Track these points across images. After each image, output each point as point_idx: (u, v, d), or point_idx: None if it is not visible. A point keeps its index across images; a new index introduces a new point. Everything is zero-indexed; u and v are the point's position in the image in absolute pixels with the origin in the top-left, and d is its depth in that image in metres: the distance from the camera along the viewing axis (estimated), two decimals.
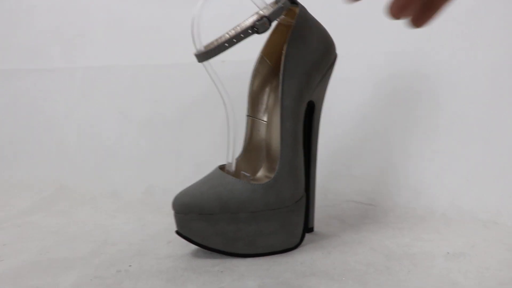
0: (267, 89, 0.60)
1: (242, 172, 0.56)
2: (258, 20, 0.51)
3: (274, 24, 0.54)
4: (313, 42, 0.54)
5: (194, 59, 0.53)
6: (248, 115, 0.59)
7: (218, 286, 0.45)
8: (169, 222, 0.63)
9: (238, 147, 0.56)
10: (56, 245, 0.57)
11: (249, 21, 0.52)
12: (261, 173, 0.59)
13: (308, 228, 0.58)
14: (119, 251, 0.54)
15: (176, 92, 0.82)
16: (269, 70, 0.59)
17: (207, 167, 0.76)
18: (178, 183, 0.76)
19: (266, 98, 0.60)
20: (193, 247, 0.55)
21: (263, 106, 0.60)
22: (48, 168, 0.84)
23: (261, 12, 0.52)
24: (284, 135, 0.52)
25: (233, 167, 0.55)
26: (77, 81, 0.87)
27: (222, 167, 0.56)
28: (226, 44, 0.52)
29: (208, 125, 0.81)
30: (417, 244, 0.54)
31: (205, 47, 0.53)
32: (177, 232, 0.52)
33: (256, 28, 0.51)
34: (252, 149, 0.59)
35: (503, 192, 0.63)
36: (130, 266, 0.50)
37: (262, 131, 0.59)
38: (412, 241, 0.55)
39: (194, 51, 0.53)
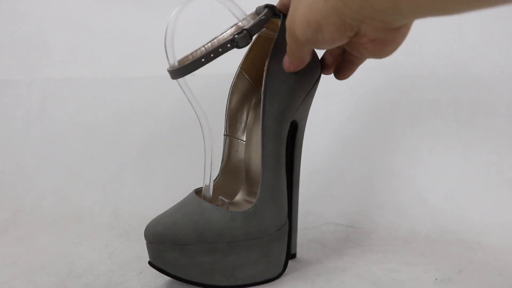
0: (246, 107, 0.56)
1: (220, 197, 0.52)
2: (238, 33, 0.47)
3: (254, 37, 0.50)
4: None
5: (165, 72, 0.49)
6: (225, 134, 0.56)
7: None
8: (139, 249, 0.59)
9: (215, 170, 0.52)
10: (13, 279, 0.51)
11: (228, 33, 0.49)
12: (239, 196, 0.55)
13: (290, 254, 0.54)
14: (85, 284, 0.50)
15: (145, 108, 0.78)
16: (248, 86, 0.56)
17: (179, 189, 0.72)
18: (147, 205, 0.72)
19: (245, 116, 0.56)
20: (167, 278, 0.51)
21: (242, 125, 0.56)
22: (3, 190, 0.78)
23: (240, 24, 0.49)
24: (265, 158, 0.48)
25: (210, 192, 0.51)
26: (36, 94, 0.82)
27: (198, 191, 0.52)
28: (203, 60, 0.47)
29: (180, 144, 0.77)
30: (404, 269, 0.52)
31: (179, 62, 0.49)
32: (150, 263, 0.48)
33: (235, 41, 0.47)
34: (230, 171, 0.56)
35: (486, 211, 0.63)
36: None
37: (240, 151, 0.56)
38: (398, 265, 0.52)
39: (166, 66, 0.49)
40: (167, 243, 0.46)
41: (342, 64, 0.50)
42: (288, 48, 0.45)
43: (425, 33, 0.70)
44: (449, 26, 0.71)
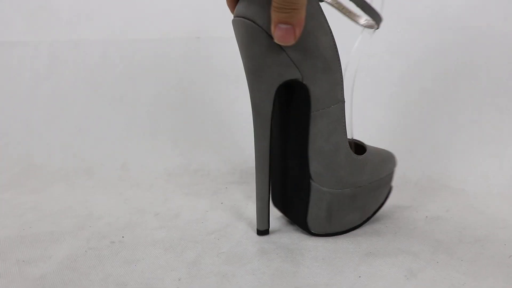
0: None
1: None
2: None
3: None
4: None
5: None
6: None
7: (218, 252, 0.46)
8: (151, 196, 0.63)
9: None
10: (38, 220, 0.55)
11: None
12: None
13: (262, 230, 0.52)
14: (107, 224, 0.54)
15: (151, 68, 0.81)
16: None
17: (184, 143, 0.77)
18: (155, 159, 0.76)
19: None
20: (181, 219, 0.55)
21: None
22: (13, 146, 0.80)
23: None
24: None
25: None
26: (43, 56, 0.84)
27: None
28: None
29: (182, 101, 0.80)
30: (398, 210, 0.57)
31: None
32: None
33: None
34: None
35: (468, 162, 0.68)
36: (123, 237, 0.50)
37: None
38: (393, 208, 0.58)
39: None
40: None
41: None
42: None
43: None
44: None
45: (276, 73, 0.43)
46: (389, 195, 0.55)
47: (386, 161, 0.53)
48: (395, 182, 0.57)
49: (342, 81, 0.46)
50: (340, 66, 0.45)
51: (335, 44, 0.45)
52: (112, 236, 0.51)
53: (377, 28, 0.49)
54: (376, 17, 0.47)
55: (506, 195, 0.62)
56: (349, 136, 0.49)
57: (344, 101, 0.47)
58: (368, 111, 0.75)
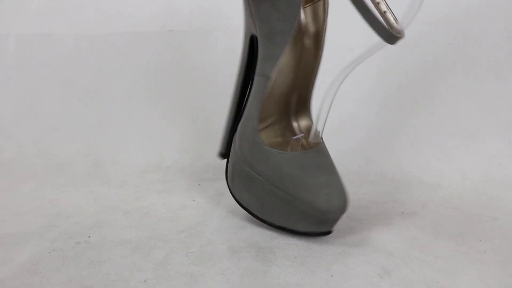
0: None
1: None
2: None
3: None
4: None
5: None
6: None
7: (187, 252, 0.44)
8: (123, 194, 0.62)
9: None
10: (3, 221, 0.53)
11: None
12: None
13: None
14: (75, 223, 0.52)
15: (123, 63, 0.79)
16: None
17: (157, 139, 0.75)
18: (128, 155, 0.74)
19: None
20: (151, 217, 0.53)
21: None
22: None
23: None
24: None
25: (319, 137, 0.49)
26: (10, 49, 0.81)
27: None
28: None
29: (156, 97, 0.78)
30: (373, 206, 0.56)
31: None
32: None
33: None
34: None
35: (445, 157, 0.68)
36: (89, 237, 0.48)
37: None
38: (368, 204, 0.57)
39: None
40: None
41: None
42: None
43: None
44: None
45: (247, 24, 0.50)
46: (322, 235, 0.47)
47: (314, 192, 0.45)
48: (371, 177, 0.57)
49: (277, 60, 0.46)
50: (283, 46, 0.45)
51: (291, 23, 0.44)
52: (79, 236, 0.49)
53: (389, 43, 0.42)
54: (381, 31, 0.41)
55: (482, 190, 0.62)
56: (319, 129, 0.48)
57: (269, 78, 0.47)
58: (345, 106, 0.74)
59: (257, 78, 0.49)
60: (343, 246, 0.46)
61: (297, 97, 0.53)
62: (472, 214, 0.54)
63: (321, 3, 0.48)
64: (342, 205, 0.44)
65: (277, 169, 0.46)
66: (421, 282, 0.39)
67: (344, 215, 0.53)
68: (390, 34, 0.41)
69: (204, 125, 0.76)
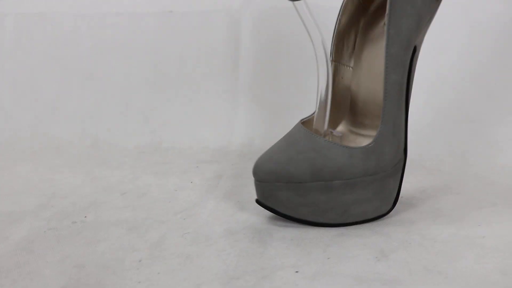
0: (354, 29, 0.51)
1: (331, 130, 0.49)
2: None
3: None
4: None
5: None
6: (330, 60, 0.50)
7: (183, 233, 0.44)
8: (120, 174, 0.61)
9: (329, 99, 0.48)
10: None
11: None
12: (343, 126, 0.52)
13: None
14: (71, 203, 0.52)
15: (122, 43, 0.78)
16: (357, 5, 0.50)
17: (156, 121, 0.74)
18: (126, 136, 0.74)
19: (353, 40, 0.51)
20: (148, 198, 0.53)
21: (349, 49, 0.51)
22: None
23: None
24: (388, 88, 0.44)
25: (325, 126, 0.47)
26: (8, 29, 0.80)
27: (304, 122, 0.48)
28: None
29: (155, 78, 0.77)
30: None
31: None
32: (258, 202, 0.46)
33: None
34: (333, 99, 0.50)
35: (444, 142, 0.67)
36: (85, 217, 0.48)
37: (346, 78, 0.51)
38: None
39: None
40: (280, 182, 0.44)
41: None
42: None
43: None
44: None
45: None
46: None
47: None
48: None
49: None
50: None
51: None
52: (75, 216, 0.49)
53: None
54: None
55: (483, 175, 0.61)
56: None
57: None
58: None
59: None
60: (341, 229, 0.45)
61: None
62: (472, 199, 0.54)
63: None
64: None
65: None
66: (419, 265, 0.39)
67: None
68: None
69: (202, 106, 0.75)
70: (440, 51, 0.71)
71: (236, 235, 0.43)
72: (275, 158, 0.45)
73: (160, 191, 0.55)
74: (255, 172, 0.45)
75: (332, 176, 0.44)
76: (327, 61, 0.47)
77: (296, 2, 0.45)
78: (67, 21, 0.79)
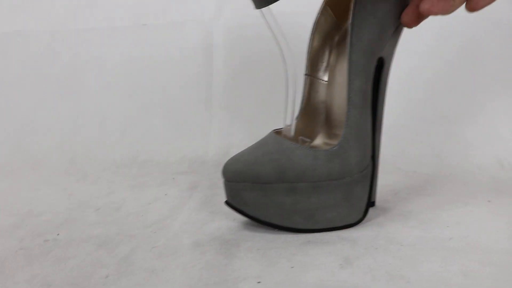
0: (328, 45, 0.53)
1: (300, 137, 0.50)
2: None
3: None
4: None
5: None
6: (306, 74, 0.52)
7: (152, 246, 0.44)
8: (96, 189, 0.62)
9: (297, 109, 0.51)
10: None
11: None
12: (319, 139, 0.53)
13: (370, 202, 0.51)
14: (45, 221, 0.52)
15: (97, 57, 0.78)
16: (331, 22, 0.52)
17: (133, 134, 0.75)
18: (104, 150, 0.74)
19: (328, 55, 0.53)
20: (122, 212, 0.53)
21: (324, 64, 0.53)
22: None
23: None
24: (351, 94, 0.46)
25: (292, 132, 0.49)
26: None
27: (277, 132, 0.50)
28: None
29: (130, 91, 0.78)
30: None
31: None
32: (227, 203, 0.47)
33: None
34: (309, 112, 0.52)
35: (420, 144, 0.68)
36: (58, 234, 0.48)
37: (321, 92, 0.53)
38: None
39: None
40: (247, 182, 0.45)
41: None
42: None
43: None
44: None
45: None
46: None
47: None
48: None
49: None
50: None
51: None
52: (48, 233, 0.49)
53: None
54: None
55: (457, 175, 0.62)
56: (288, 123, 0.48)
57: None
58: None
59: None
60: (309, 236, 0.45)
61: None
62: (444, 200, 0.54)
63: None
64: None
65: None
66: (382, 270, 0.39)
67: None
68: None
69: (177, 118, 0.75)
70: (412, 53, 0.72)
71: (203, 247, 0.44)
72: (242, 159, 0.46)
73: (134, 204, 0.56)
74: (224, 172, 0.47)
75: (297, 178, 0.44)
76: (293, 71, 0.47)
77: (263, 9, 0.45)
78: (43, 38, 0.79)
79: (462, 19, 0.70)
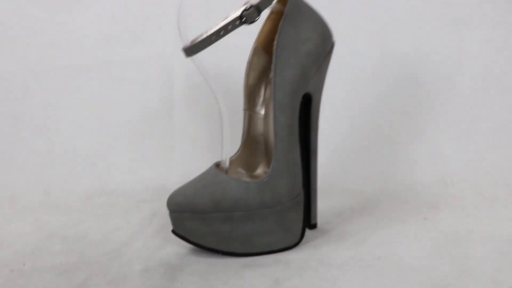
0: (264, 81, 0.57)
1: (238, 169, 0.55)
2: (246, 10, 0.49)
3: (266, 12, 0.53)
4: (307, 30, 0.52)
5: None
6: (244, 109, 0.57)
7: (104, 273, 0.48)
8: (65, 220, 0.65)
9: (230, 144, 0.54)
10: None
11: (238, 11, 0.50)
12: (260, 169, 0.58)
13: (311, 224, 0.57)
14: (14, 252, 0.56)
15: (67, 95, 0.82)
16: (265, 61, 0.56)
17: (101, 164, 0.79)
18: (76, 181, 0.78)
19: (263, 91, 0.57)
20: (86, 241, 0.57)
21: (260, 99, 0.57)
22: None
23: (251, 1, 0.50)
24: (277, 129, 0.50)
25: (226, 164, 0.53)
26: None
27: (218, 164, 0.54)
28: (213, 37, 0.49)
29: (99, 123, 0.82)
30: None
31: (192, 41, 0.50)
32: (173, 232, 0.52)
33: (243, 18, 0.49)
34: (250, 145, 0.57)
35: (367, 165, 0.72)
36: (24, 264, 0.52)
37: (259, 125, 0.57)
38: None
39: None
40: (187, 212, 0.50)
41: None
42: None
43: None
44: None
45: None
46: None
47: None
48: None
49: None
50: None
51: None
52: (15, 264, 0.52)
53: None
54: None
55: (399, 193, 0.66)
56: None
57: None
58: None
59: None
60: (248, 260, 0.49)
61: None
62: (382, 219, 0.58)
63: None
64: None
65: None
66: None
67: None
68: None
69: (141, 149, 0.80)
70: (355, 77, 0.76)
71: (151, 273, 0.48)
72: (183, 191, 0.51)
73: (98, 233, 0.60)
74: (168, 204, 0.51)
75: (231, 207, 0.49)
76: (226, 111, 0.53)
77: (193, 57, 0.50)
78: (17, 77, 0.82)
79: (404, 41, 0.75)
